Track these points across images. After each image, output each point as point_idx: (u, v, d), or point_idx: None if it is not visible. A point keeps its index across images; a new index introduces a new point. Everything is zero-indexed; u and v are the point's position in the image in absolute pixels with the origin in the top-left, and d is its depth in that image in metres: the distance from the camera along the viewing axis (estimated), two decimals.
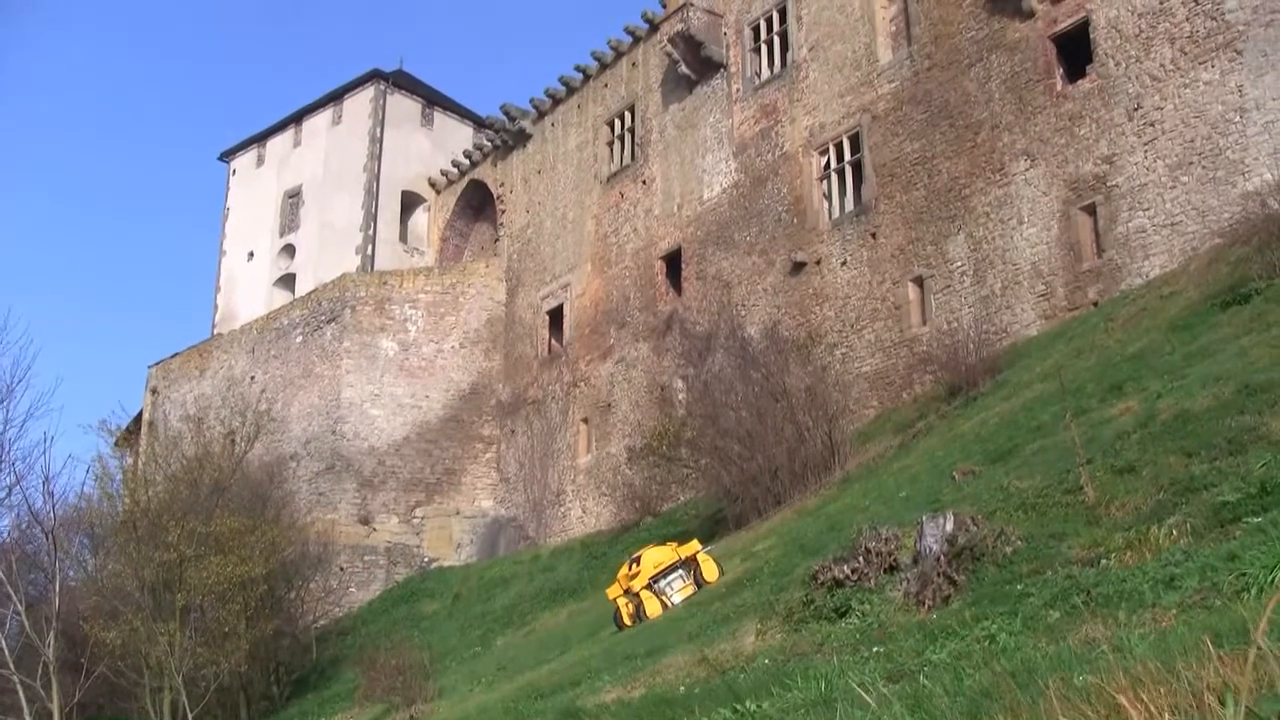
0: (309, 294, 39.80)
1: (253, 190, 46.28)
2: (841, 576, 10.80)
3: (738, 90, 30.99)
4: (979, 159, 23.94)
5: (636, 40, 35.21)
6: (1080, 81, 22.46)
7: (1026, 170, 22.93)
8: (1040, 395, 16.65)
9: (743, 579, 15.60)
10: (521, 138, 39.51)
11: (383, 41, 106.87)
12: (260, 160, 46.76)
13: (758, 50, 30.80)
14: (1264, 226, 16.61)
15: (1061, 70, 22.94)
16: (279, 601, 27.42)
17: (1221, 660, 3.59)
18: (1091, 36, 22.21)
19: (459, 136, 45.39)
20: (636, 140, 34.54)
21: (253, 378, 39.23)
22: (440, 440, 36.67)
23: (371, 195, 43.05)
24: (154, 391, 42.83)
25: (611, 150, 35.64)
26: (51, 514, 22.58)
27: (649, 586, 17.18)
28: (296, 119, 45.87)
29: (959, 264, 23.94)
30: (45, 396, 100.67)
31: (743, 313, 28.34)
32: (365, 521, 35.36)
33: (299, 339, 38.54)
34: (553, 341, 36.35)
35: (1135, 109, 21.21)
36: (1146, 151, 20.92)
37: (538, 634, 23.11)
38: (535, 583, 28.73)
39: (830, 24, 28.41)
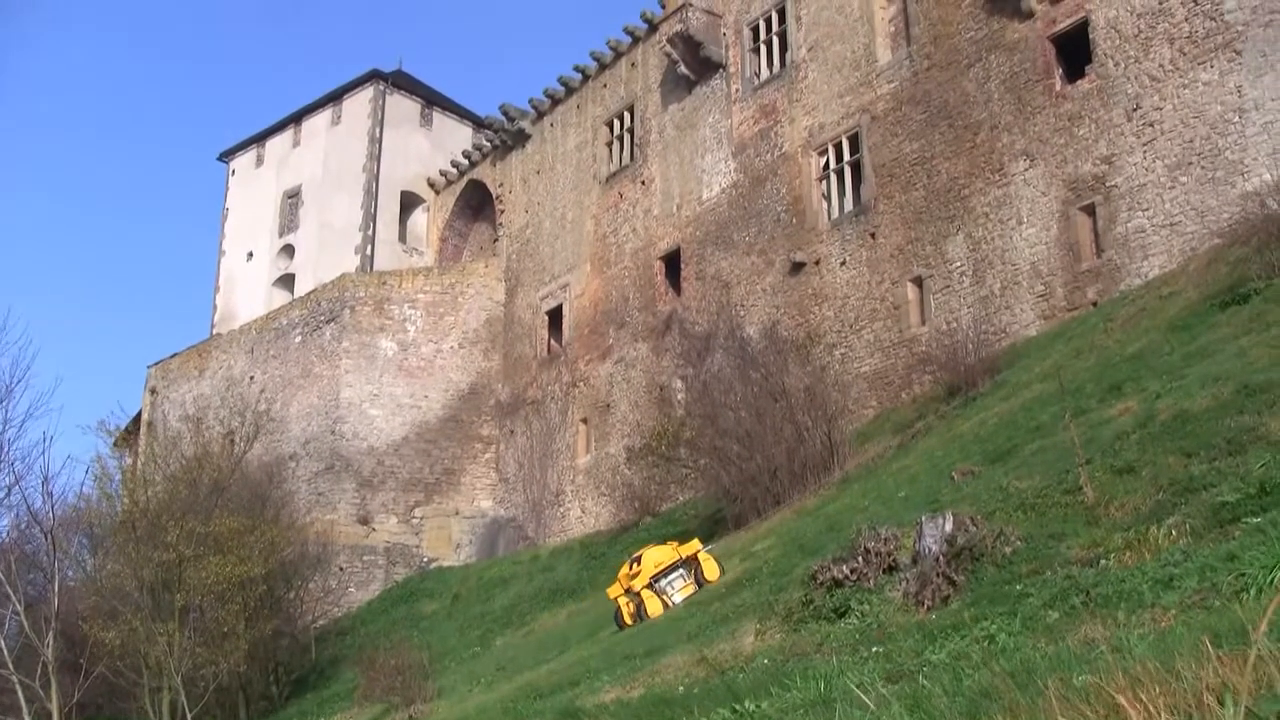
0: (308, 294, 39.78)
1: (252, 190, 46.28)
2: (841, 577, 10.80)
3: (737, 90, 30.97)
4: (978, 159, 23.93)
5: (636, 40, 35.18)
6: (1079, 82, 22.46)
7: (1026, 170, 22.93)
8: (1039, 395, 16.65)
9: (742, 579, 15.60)
10: (520, 138, 39.49)
11: (382, 42, 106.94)
12: (260, 160, 46.76)
13: (757, 50, 30.79)
14: (1263, 227, 16.62)
15: (1061, 70, 22.94)
16: (278, 601, 27.41)
17: (1221, 661, 3.59)
18: (1091, 37, 22.21)
19: (458, 137, 45.38)
20: (635, 140, 34.52)
21: (252, 378, 39.21)
22: (439, 440, 36.66)
23: (371, 195, 43.05)
24: (153, 391, 42.80)
25: (610, 150, 35.63)
26: (50, 514, 22.53)
27: (650, 586, 17.16)
28: (296, 119, 45.87)
29: (958, 264, 23.93)
30: (44, 396, 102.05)
31: (742, 313, 28.33)
32: (364, 521, 35.35)
33: (298, 339, 38.53)
34: (552, 342, 36.33)
35: (1134, 109, 21.21)
36: (1146, 152, 20.92)
37: (537, 634, 23.11)
38: (534, 583, 28.72)
39: (829, 24, 28.40)
